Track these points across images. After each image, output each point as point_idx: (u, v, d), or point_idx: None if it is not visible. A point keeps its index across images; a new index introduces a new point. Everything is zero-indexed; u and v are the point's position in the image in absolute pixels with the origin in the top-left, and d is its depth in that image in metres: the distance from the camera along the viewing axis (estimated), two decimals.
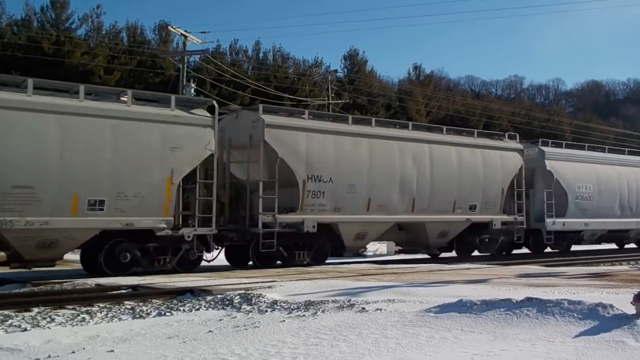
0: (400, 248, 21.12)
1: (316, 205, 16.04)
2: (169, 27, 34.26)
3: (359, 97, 44.09)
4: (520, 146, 21.29)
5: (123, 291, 10.60)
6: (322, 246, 16.63)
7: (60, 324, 7.82)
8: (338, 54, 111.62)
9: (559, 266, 16.13)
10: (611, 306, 6.17)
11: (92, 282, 11.87)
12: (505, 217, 20.33)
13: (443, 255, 20.77)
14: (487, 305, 6.74)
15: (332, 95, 38.05)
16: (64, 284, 11.78)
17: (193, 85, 29.89)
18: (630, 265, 17.38)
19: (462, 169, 19.16)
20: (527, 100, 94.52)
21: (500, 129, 48.15)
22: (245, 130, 15.92)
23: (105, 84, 30.17)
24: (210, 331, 6.76)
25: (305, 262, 15.95)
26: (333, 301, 8.24)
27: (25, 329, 7.43)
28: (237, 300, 8.93)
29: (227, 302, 8.89)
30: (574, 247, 24.58)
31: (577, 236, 23.50)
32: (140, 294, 10.15)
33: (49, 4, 35.17)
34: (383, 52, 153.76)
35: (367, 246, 22.29)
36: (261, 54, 43.89)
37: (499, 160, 20.27)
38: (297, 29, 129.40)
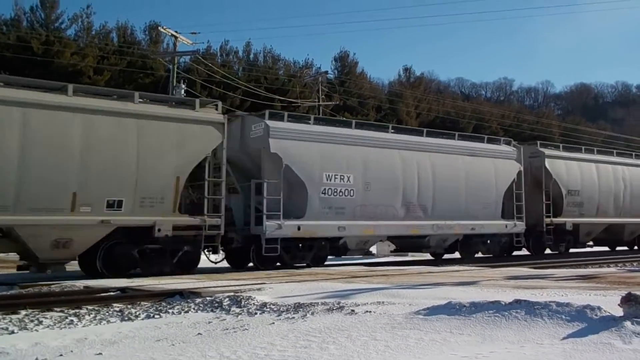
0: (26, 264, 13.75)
1: None
2: (159, 28, 34.14)
3: (350, 98, 44.13)
4: (219, 118, 15.04)
5: (111, 293, 10.55)
6: None
7: (48, 326, 7.76)
8: (329, 55, 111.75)
9: (548, 268, 16.23)
10: (599, 308, 6.20)
11: (80, 284, 11.81)
12: (184, 219, 14.44)
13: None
14: (476, 308, 6.76)
15: (323, 97, 38.04)
16: (52, 286, 11.71)
17: (183, 86, 29.82)
18: (618, 268, 17.50)
19: (91, 146, 13.05)
20: (517, 102, 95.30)
21: (490, 131, 48.41)
22: None
23: (95, 84, 30.03)
24: (199, 334, 6.74)
25: None
26: (322, 303, 8.23)
27: (13, 332, 7.38)
28: (226, 302, 8.91)
29: (216, 305, 8.87)
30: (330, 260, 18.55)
31: (335, 245, 17.19)
32: (129, 296, 10.11)
33: (39, 4, 35.01)
34: (374, 54, 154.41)
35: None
36: (252, 55, 43.89)
37: (174, 135, 14.18)
38: (288, 31, 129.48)
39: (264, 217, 15.61)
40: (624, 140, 55.23)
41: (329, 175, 16.76)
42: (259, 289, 10.17)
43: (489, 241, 20.91)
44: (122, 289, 10.87)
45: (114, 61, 34.93)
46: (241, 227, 16.24)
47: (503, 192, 20.91)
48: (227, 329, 6.92)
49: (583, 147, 26.18)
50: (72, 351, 6.06)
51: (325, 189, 16.67)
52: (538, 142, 24.45)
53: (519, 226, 21.28)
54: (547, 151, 23.43)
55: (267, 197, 15.76)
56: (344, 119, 20.78)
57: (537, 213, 22.26)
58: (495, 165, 20.91)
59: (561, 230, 23.03)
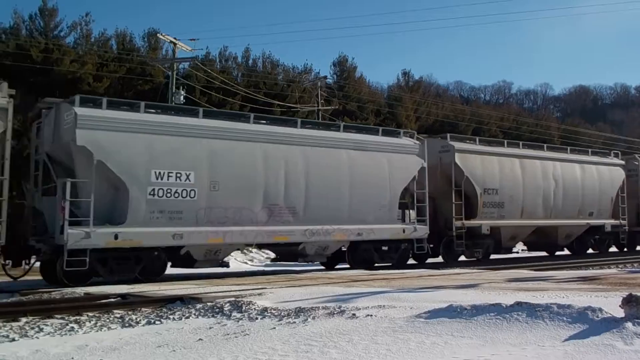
0: None
1: None
2: (158, 35, 34.19)
3: (349, 103, 44.17)
4: (1, 102, 12.80)
5: (112, 300, 10.54)
6: None
7: (48, 333, 7.76)
8: (327, 60, 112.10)
9: (549, 270, 16.22)
10: (600, 310, 6.20)
11: (80, 290, 11.81)
12: None
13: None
14: (477, 310, 6.76)
15: (322, 101, 38.07)
16: (53, 293, 11.71)
17: (182, 92, 29.85)
18: (619, 269, 17.49)
19: None
20: (516, 105, 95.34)
21: (490, 134, 48.45)
22: None
23: (94, 91, 30.03)
24: (200, 339, 6.73)
25: None
26: (323, 307, 8.23)
27: (14, 339, 7.37)
28: (227, 307, 8.90)
29: (217, 310, 8.86)
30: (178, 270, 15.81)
31: (176, 255, 14.63)
32: (129, 302, 10.10)
33: (38, 12, 35.07)
34: (373, 58, 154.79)
35: None
36: (250, 61, 43.86)
37: None
38: (287, 36, 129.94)
39: (65, 223, 12.90)
40: (624, 142, 55.27)
41: (159, 173, 13.97)
42: (259, 294, 10.17)
43: (385, 248, 17.92)
44: (123, 295, 10.86)
45: (113, 68, 34.95)
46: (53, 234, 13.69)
47: (400, 191, 18.05)
48: (228, 335, 6.91)
49: (506, 141, 23.03)
50: (72, 358, 6.06)
51: (154, 189, 13.86)
52: (448, 135, 21.12)
53: (421, 230, 18.21)
54: (457, 145, 20.30)
55: (71, 199, 13.09)
56: (193, 107, 17.55)
57: (450, 215, 19.68)
58: (390, 161, 17.84)
59: (477, 235, 20.10)
